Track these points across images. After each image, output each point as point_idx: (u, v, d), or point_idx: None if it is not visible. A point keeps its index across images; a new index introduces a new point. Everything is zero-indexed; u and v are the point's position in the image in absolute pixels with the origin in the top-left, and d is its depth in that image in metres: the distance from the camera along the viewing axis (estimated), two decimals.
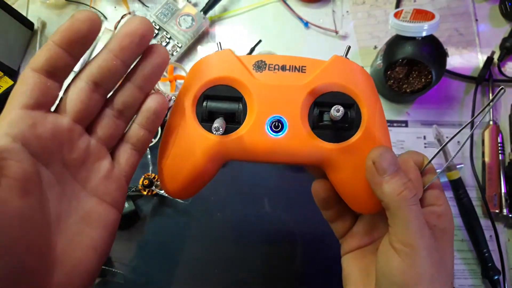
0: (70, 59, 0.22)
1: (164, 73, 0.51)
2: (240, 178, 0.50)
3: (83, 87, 0.23)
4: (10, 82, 0.46)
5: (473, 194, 0.49)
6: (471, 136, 0.51)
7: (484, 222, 0.48)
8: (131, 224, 0.48)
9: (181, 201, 0.48)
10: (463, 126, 0.27)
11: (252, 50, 0.53)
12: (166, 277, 0.47)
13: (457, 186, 0.48)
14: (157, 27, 0.53)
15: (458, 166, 0.49)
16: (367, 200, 0.27)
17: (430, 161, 0.27)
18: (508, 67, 0.54)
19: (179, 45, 0.52)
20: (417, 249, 0.23)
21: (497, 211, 0.48)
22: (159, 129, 0.48)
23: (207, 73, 0.27)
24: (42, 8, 0.55)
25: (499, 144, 0.50)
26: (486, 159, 0.50)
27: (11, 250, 0.19)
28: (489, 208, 0.48)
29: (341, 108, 0.25)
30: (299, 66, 0.26)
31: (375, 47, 0.55)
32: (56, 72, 0.22)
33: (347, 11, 0.56)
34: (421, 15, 0.44)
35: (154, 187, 0.46)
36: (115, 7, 0.56)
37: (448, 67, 0.48)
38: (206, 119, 0.27)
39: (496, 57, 0.52)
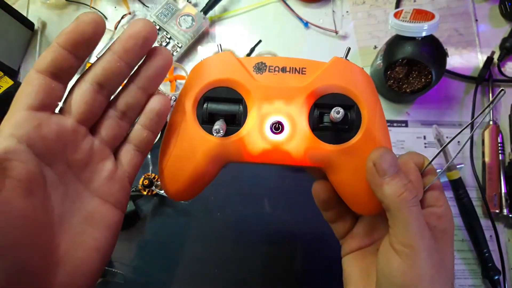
0: (74, 61, 0.23)
1: None
2: (240, 178, 0.50)
3: (87, 89, 0.24)
4: (10, 82, 0.46)
5: (473, 194, 0.49)
6: (471, 136, 0.51)
7: (484, 222, 0.48)
8: (131, 224, 0.48)
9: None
10: (463, 127, 0.27)
11: (252, 50, 0.53)
12: (166, 277, 0.47)
13: (457, 186, 0.48)
14: (157, 27, 0.53)
15: (458, 166, 0.49)
16: (367, 201, 0.27)
17: (430, 162, 0.27)
18: (508, 67, 0.54)
19: (179, 45, 0.52)
20: (417, 250, 0.23)
21: (497, 211, 0.48)
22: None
23: (208, 75, 0.27)
24: (42, 8, 0.55)
25: (499, 144, 0.50)
26: (486, 159, 0.50)
27: (14, 250, 0.19)
28: (489, 208, 0.48)
29: (341, 110, 0.25)
30: (299, 68, 0.26)
31: (375, 47, 0.55)
32: (60, 74, 0.22)
33: (347, 11, 0.56)
34: (421, 15, 0.44)
35: (154, 187, 0.46)
36: (115, 7, 0.56)
37: (448, 67, 0.48)
38: (206, 121, 0.27)
39: (496, 57, 0.52)
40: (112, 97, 0.26)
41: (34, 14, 0.55)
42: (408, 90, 0.47)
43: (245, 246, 0.48)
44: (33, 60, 0.53)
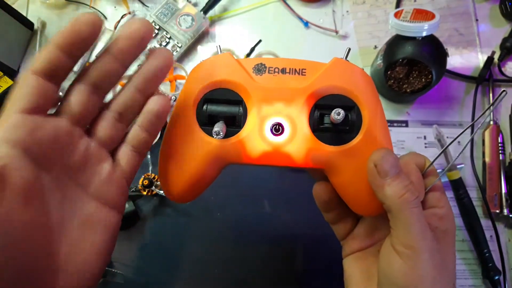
0: (69, 62, 0.22)
1: None
2: (240, 179, 0.50)
3: (82, 90, 0.23)
4: (10, 82, 0.46)
5: (474, 194, 0.49)
6: (472, 132, 0.51)
7: (485, 222, 0.48)
8: (131, 224, 0.48)
9: None
10: (465, 128, 0.27)
11: (252, 50, 0.52)
12: (166, 277, 0.47)
13: (458, 186, 0.48)
14: (157, 27, 0.53)
15: (458, 166, 0.49)
16: (368, 202, 0.27)
17: (431, 163, 0.27)
18: (508, 67, 0.53)
19: (179, 45, 0.52)
20: (419, 251, 0.23)
21: (497, 211, 0.48)
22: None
23: (207, 76, 0.27)
24: (42, 8, 0.55)
25: (500, 144, 0.50)
26: (487, 159, 0.50)
27: (15, 257, 0.19)
28: (490, 208, 0.48)
29: (342, 111, 0.25)
30: (299, 69, 0.26)
31: (375, 47, 0.55)
32: (55, 75, 0.22)
33: (347, 11, 0.56)
34: (421, 15, 0.44)
35: (154, 187, 0.46)
36: (115, 7, 0.56)
37: (448, 67, 0.48)
38: (206, 122, 0.27)
39: (496, 57, 0.52)
40: (109, 97, 0.25)
41: (33, 14, 0.55)
42: (408, 90, 0.47)
43: (245, 246, 0.48)
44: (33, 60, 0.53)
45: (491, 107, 0.25)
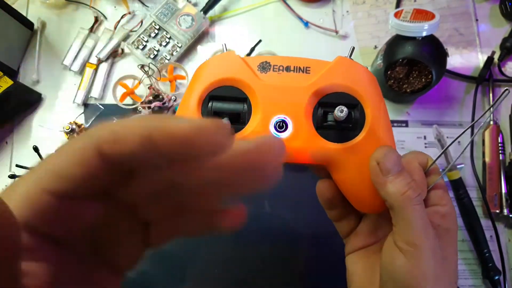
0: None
1: (164, 73, 0.51)
2: None
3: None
4: (10, 82, 0.46)
5: (474, 194, 0.49)
6: (472, 132, 0.51)
7: (485, 222, 0.48)
8: None
9: None
10: (466, 128, 0.27)
11: (252, 50, 0.52)
12: (166, 277, 0.47)
13: (458, 186, 0.48)
14: (157, 27, 0.53)
15: (458, 166, 0.49)
16: (371, 199, 0.27)
17: (434, 162, 0.27)
18: (508, 67, 0.53)
19: (179, 45, 0.52)
20: (421, 249, 0.23)
21: (497, 211, 0.48)
22: None
23: (212, 74, 0.27)
24: (42, 8, 0.55)
25: (500, 144, 0.50)
26: (487, 159, 0.50)
27: None
28: (490, 208, 0.48)
29: (345, 109, 0.25)
30: (304, 67, 0.27)
31: (375, 47, 0.55)
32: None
33: (347, 11, 0.56)
34: (421, 15, 0.44)
35: None
36: (115, 7, 0.56)
37: (448, 67, 0.48)
38: None
39: (496, 57, 0.52)
40: None
41: (33, 13, 0.55)
42: (408, 90, 0.47)
43: (245, 246, 0.48)
44: (32, 60, 0.53)
45: (494, 106, 0.25)
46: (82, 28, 0.53)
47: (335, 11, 0.55)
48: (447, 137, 0.49)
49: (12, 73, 0.51)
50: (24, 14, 0.53)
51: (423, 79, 0.46)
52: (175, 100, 0.49)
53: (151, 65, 0.47)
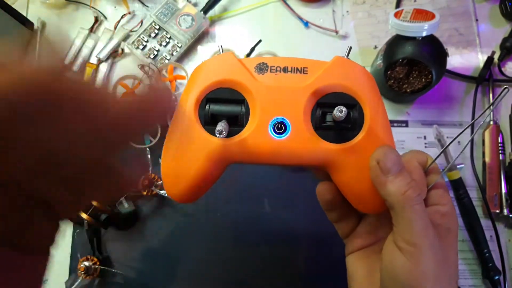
0: None
1: (164, 73, 0.51)
2: (240, 178, 0.50)
3: None
4: None
5: (474, 194, 0.49)
6: (472, 132, 0.51)
7: (485, 222, 0.48)
8: (131, 224, 0.48)
9: None
10: (466, 127, 0.27)
11: (252, 50, 0.52)
12: (166, 277, 0.47)
13: (458, 186, 0.48)
14: (157, 27, 0.53)
15: (458, 166, 0.49)
16: (371, 200, 0.27)
17: (433, 161, 0.27)
18: (508, 67, 0.53)
19: (179, 45, 0.52)
20: (421, 248, 0.23)
21: (497, 211, 0.48)
22: (159, 130, 0.48)
23: (209, 76, 0.27)
24: (42, 8, 0.55)
25: (500, 144, 0.50)
26: (487, 159, 0.50)
27: None
28: (490, 208, 0.48)
29: (344, 109, 0.25)
30: (301, 68, 0.27)
31: (375, 47, 0.55)
32: None
33: (347, 11, 0.56)
34: (421, 15, 0.44)
35: (154, 187, 0.46)
36: (115, 7, 0.56)
37: (448, 67, 0.48)
38: (209, 122, 0.27)
39: (496, 57, 0.52)
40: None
41: (33, 13, 0.55)
42: (408, 90, 0.47)
43: (245, 246, 0.48)
44: (32, 59, 0.53)
45: (494, 104, 0.25)
46: (82, 28, 0.53)
47: (335, 11, 0.55)
48: (447, 137, 0.49)
49: None
50: (24, 14, 0.53)
51: (423, 79, 0.46)
52: (175, 100, 0.49)
53: (151, 65, 0.47)
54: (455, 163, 0.49)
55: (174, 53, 0.52)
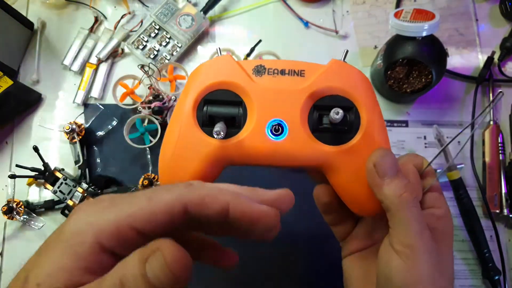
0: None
1: (164, 73, 0.51)
2: (240, 179, 0.50)
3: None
4: (10, 82, 0.46)
5: (474, 194, 0.49)
6: (472, 136, 0.51)
7: (485, 222, 0.48)
8: None
9: None
10: (463, 128, 0.27)
11: (252, 50, 0.52)
12: None
13: (458, 186, 0.48)
14: (157, 27, 0.53)
15: (458, 166, 0.49)
16: (367, 202, 0.27)
17: (429, 164, 0.27)
18: (508, 67, 0.53)
19: (179, 45, 0.52)
20: (417, 251, 0.23)
21: (497, 211, 0.48)
22: (159, 129, 0.48)
23: (207, 78, 0.27)
24: (42, 8, 0.55)
25: (500, 144, 0.50)
26: (487, 159, 0.50)
27: None
28: (490, 208, 0.48)
29: (340, 111, 0.25)
30: (298, 70, 0.27)
31: (375, 47, 0.54)
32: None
33: (347, 11, 0.56)
34: (421, 15, 0.44)
35: (154, 187, 0.46)
36: (115, 7, 0.56)
37: (448, 67, 0.48)
38: (206, 123, 0.27)
39: (496, 57, 0.52)
40: None
41: (33, 13, 0.55)
42: (408, 90, 0.47)
43: (245, 246, 0.48)
44: (32, 60, 0.53)
45: (489, 107, 0.25)
46: (82, 28, 0.53)
47: (335, 11, 0.55)
48: (447, 137, 0.49)
49: (12, 73, 0.51)
50: (24, 14, 0.53)
51: (423, 79, 0.46)
52: (175, 100, 0.49)
53: (151, 65, 0.47)
54: (455, 163, 0.49)
55: (174, 53, 0.52)
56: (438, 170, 0.28)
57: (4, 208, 0.45)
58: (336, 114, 0.25)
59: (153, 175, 0.47)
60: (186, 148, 0.27)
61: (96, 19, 0.54)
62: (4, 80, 0.46)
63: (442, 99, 0.52)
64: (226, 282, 0.47)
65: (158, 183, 0.47)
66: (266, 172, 0.50)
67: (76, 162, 0.48)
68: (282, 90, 0.26)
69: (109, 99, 0.52)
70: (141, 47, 0.52)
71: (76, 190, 0.46)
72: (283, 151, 0.26)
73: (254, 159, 0.26)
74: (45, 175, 0.47)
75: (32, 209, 0.48)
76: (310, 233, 0.48)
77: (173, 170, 0.27)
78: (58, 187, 0.46)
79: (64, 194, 0.46)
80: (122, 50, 0.53)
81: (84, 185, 0.46)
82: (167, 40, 0.52)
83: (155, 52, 0.52)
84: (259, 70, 0.27)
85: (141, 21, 0.54)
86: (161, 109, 0.48)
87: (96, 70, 0.53)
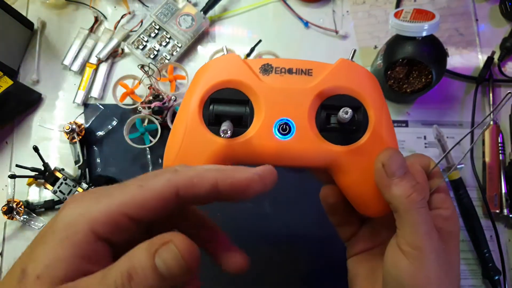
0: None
1: (164, 73, 0.51)
2: None
3: None
4: (10, 82, 0.46)
5: (474, 194, 0.49)
6: (472, 137, 0.51)
7: (485, 222, 0.48)
8: None
9: None
10: (468, 131, 0.26)
11: (252, 50, 0.52)
12: None
13: (458, 186, 0.48)
14: (157, 27, 0.53)
15: (458, 166, 0.49)
16: (374, 202, 0.27)
17: (436, 165, 0.27)
18: (508, 67, 0.53)
19: (179, 45, 0.52)
20: (425, 252, 0.23)
21: (497, 211, 0.48)
22: (159, 129, 0.48)
23: (213, 76, 0.27)
24: (42, 8, 0.55)
25: (500, 144, 0.50)
26: (487, 159, 0.50)
27: None
28: (490, 208, 0.48)
29: (350, 110, 0.25)
30: (306, 69, 0.27)
31: (375, 47, 0.55)
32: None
33: (347, 11, 0.56)
34: (421, 15, 0.44)
35: None
36: (115, 7, 0.56)
37: (448, 67, 0.48)
38: (212, 122, 0.27)
39: (496, 57, 0.52)
40: None
41: (33, 13, 0.55)
42: (408, 90, 0.47)
43: (246, 246, 0.48)
44: (32, 60, 0.53)
45: (497, 109, 0.25)
46: (82, 28, 0.53)
47: (335, 11, 0.55)
48: (447, 137, 0.49)
49: (12, 73, 0.51)
50: (24, 14, 0.53)
51: (423, 79, 0.46)
52: (175, 100, 0.49)
53: (151, 65, 0.47)
54: (455, 163, 0.49)
55: (174, 53, 0.52)
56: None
57: (4, 208, 0.45)
58: (346, 113, 0.25)
59: None
60: (192, 147, 0.26)
61: (96, 19, 0.54)
62: (4, 80, 0.46)
63: (442, 99, 0.52)
64: (226, 282, 0.47)
65: None
66: None
67: (76, 162, 0.48)
68: (289, 89, 0.26)
69: (109, 99, 0.52)
70: (141, 47, 0.52)
71: (76, 190, 0.46)
72: (290, 151, 0.26)
73: (261, 159, 0.26)
74: (45, 175, 0.47)
75: (32, 209, 0.48)
76: (313, 233, 0.48)
77: None
78: (58, 187, 0.46)
79: (64, 194, 0.46)
80: (122, 50, 0.53)
81: (84, 185, 0.46)
82: (167, 40, 0.52)
83: (155, 52, 0.52)
84: (266, 69, 0.27)
85: (141, 21, 0.54)
86: (161, 109, 0.47)
87: (96, 70, 0.52)
